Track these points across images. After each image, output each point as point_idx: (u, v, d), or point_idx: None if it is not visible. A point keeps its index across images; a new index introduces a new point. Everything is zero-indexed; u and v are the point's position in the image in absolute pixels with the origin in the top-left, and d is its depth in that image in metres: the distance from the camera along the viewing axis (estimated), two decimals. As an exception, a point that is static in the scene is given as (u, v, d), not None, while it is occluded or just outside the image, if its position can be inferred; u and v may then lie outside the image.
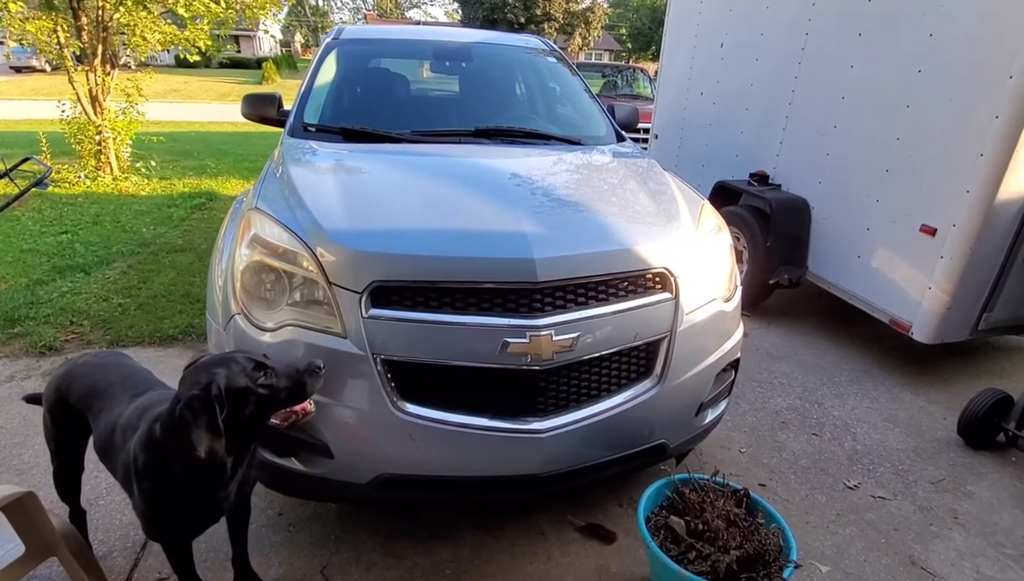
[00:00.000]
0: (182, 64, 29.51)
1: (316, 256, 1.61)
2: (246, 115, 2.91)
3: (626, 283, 1.73)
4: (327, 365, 1.51)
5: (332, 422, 1.62)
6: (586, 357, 1.65)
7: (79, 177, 7.05)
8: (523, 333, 1.56)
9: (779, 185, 4.09)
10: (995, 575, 2.04)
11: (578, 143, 2.68)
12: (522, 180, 2.11)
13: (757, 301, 4.13)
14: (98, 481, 2.17)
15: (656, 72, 6.14)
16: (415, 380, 1.61)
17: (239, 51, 38.12)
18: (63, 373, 1.67)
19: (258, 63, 31.37)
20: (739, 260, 4.23)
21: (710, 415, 2.06)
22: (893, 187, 3.22)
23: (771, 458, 2.58)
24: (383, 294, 1.57)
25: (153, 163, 8.06)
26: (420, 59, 3.36)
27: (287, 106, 2.83)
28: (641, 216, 1.97)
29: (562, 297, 1.63)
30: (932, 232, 3.01)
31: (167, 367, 2.99)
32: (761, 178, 4.18)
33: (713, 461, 2.54)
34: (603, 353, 1.68)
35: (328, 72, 2.92)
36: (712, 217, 2.11)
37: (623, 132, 3.00)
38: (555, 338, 1.58)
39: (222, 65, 32.70)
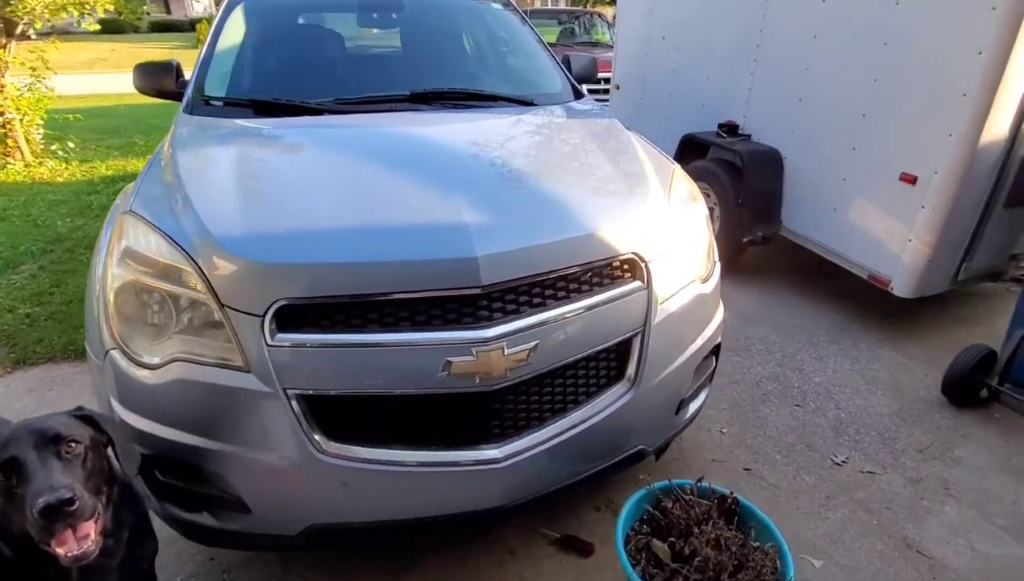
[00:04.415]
0: (108, 30, 27.23)
1: (203, 272, 1.28)
2: (141, 89, 2.46)
3: (590, 275, 1.46)
4: (229, 407, 1.22)
5: (243, 472, 1.33)
6: (546, 369, 1.39)
7: (-15, 166, 6.33)
8: (468, 349, 1.28)
9: (749, 136, 3.84)
10: (989, 550, 1.93)
11: (530, 103, 2.34)
12: (463, 154, 1.79)
13: (730, 260, 3.92)
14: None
15: (615, 16, 5.74)
16: (342, 415, 1.33)
17: (169, 12, 35.28)
18: None
19: (192, 25, 29.09)
20: (710, 217, 4.00)
21: (692, 408, 1.86)
22: (870, 133, 3.00)
23: (755, 437, 2.42)
24: (292, 315, 1.27)
25: (72, 144, 7.29)
26: (343, 12, 2.92)
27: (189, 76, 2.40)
28: (603, 191, 1.68)
29: (514, 300, 1.35)
30: (912, 180, 2.81)
31: (83, 386, 2.64)
32: (730, 129, 3.91)
33: (694, 446, 2.36)
34: (566, 361, 1.42)
35: (233, 34, 2.48)
36: (685, 184, 1.85)
37: (580, 87, 2.67)
38: (507, 351, 1.31)
39: (153, 29, 30.26)
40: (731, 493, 1.62)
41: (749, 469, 2.24)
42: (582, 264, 1.43)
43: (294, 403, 1.27)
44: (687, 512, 1.53)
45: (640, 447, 1.67)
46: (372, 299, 1.28)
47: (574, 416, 1.48)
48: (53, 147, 7.06)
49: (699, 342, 1.72)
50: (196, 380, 1.28)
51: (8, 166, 6.46)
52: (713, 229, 3.90)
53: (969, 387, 2.56)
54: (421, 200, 1.49)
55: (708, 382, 1.93)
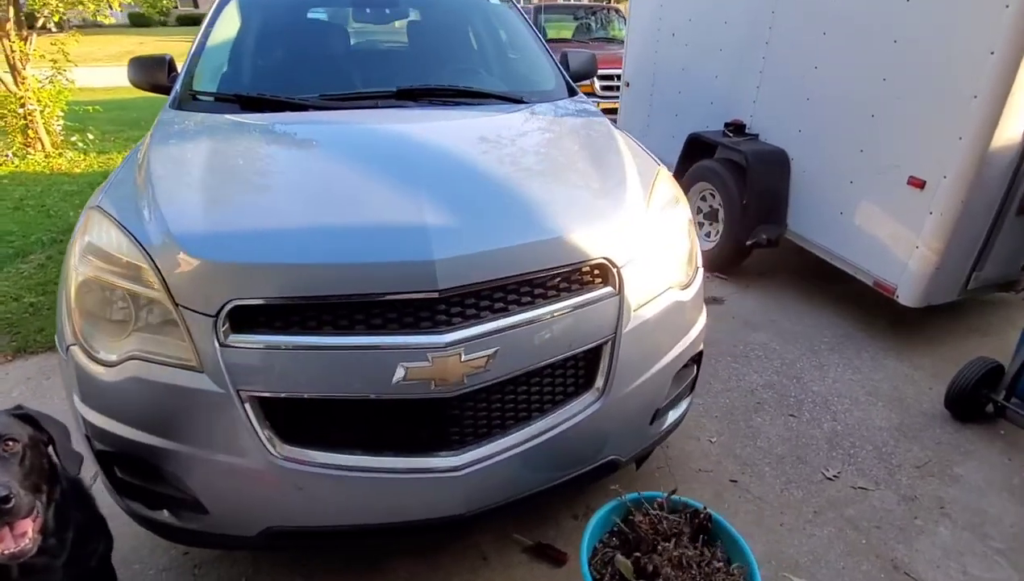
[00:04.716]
0: (137, 24, 27.76)
1: (159, 270, 1.27)
2: (135, 83, 2.46)
3: (557, 280, 1.42)
4: (183, 407, 1.21)
5: (198, 473, 1.32)
6: (507, 376, 1.35)
7: (6, 156, 6.48)
8: (423, 355, 1.25)
9: (756, 135, 3.74)
10: (982, 574, 1.84)
11: (519, 101, 2.29)
12: (438, 153, 1.76)
13: (733, 263, 3.84)
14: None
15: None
16: (297, 418, 1.31)
17: (196, 6, 35.85)
18: None
19: (217, 19, 29.44)
20: (714, 219, 3.92)
21: (670, 418, 1.80)
22: (879, 135, 2.89)
23: (744, 447, 2.35)
24: (246, 316, 1.25)
25: (91, 136, 7.44)
26: (334, 7, 2.89)
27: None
28: (577, 193, 1.63)
29: (473, 305, 1.32)
30: (921, 185, 2.70)
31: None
32: (737, 128, 3.81)
33: (681, 455, 2.30)
34: (530, 369, 1.39)
35: (224, 29, 2.47)
36: (667, 187, 1.78)
37: (574, 84, 2.62)
38: (465, 358, 1.27)
39: (181, 23, 30.78)
40: (704, 508, 1.56)
41: (735, 481, 2.18)
42: (548, 269, 1.39)
43: (247, 405, 1.26)
44: (655, 527, 1.48)
45: (612, 457, 1.63)
46: (325, 302, 1.25)
47: (539, 425, 1.44)
48: (73, 138, 7.21)
49: (677, 350, 1.67)
50: (151, 379, 1.27)
51: (29, 156, 6.61)
52: (717, 231, 3.89)
53: (974, 401, 2.46)
54: (386, 200, 1.46)
55: (689, 391, 1.87)
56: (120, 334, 1.33)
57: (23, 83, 6.44)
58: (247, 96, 2.10)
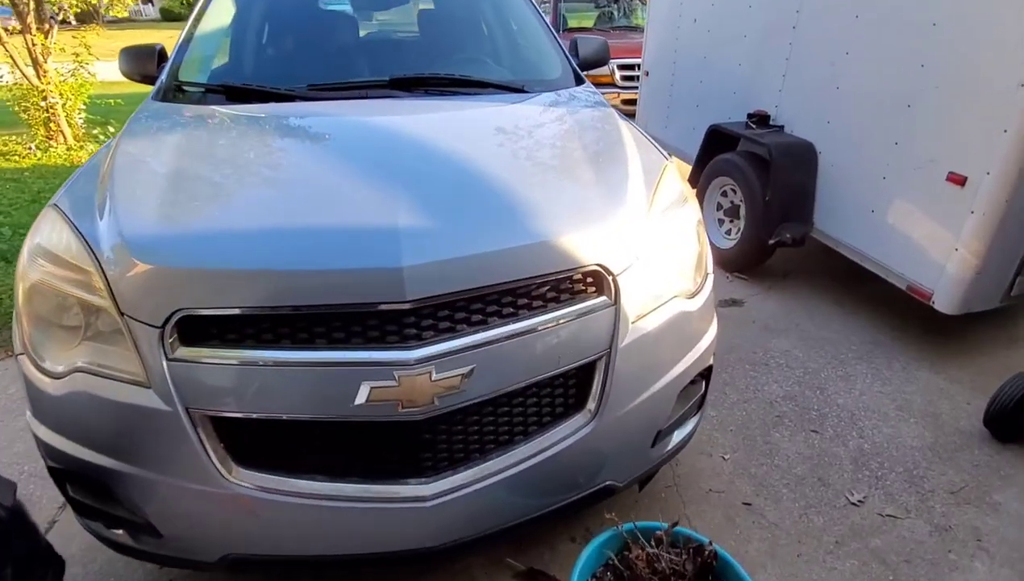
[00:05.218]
0: (169, 18, 28.23)
1: (105, 275, 1.17)
2: (126, 74, 2.38)
3: (544, 290, 1.27)
4: (130, 425, 1.10)
5: (149, 497, 1.22)
6: (486, 397, 1.22)
7: (29, 149, 6.57)
8: (389, 373, 1.12)
9: (781, 127, 3.51)
10: (1028, 618, 1.65)
11: (519, 90, 2.14)
12: (423, 149, 1.61)
13: (755, 263, 3.63)
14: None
15: (649, -2, 5.42)
16: (254, 439, 1.20)
17: None
18: None
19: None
20: (735, 216, 3.71)
21: (675, 439, 1.64)
22: (916, 126, 2.65)
23: (760, 466, 2.17)
24: (196, 327, 1.14)
25: (112, 129, 7.51)
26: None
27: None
28: (571, 192, 1.47)
29: (447, 317, 1.18)
30: (961, 181, 2.46)
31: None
32: (761, 119, 3.58)
33: (691, 472, 2.14)
34: (511, 389, 1.25)
35: (214, 17, 2.37)
36: (673, 185, 1.61)
37: (585, 72, 2.45)
38: (436, 376, 1.14)
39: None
40: (709, 543, 1.41)
41: (749, 504, 2.01)
42: (533, 277, 1.24)
43: (197, 425, 1.15)
44: (652, 565, 1.33)
45: (608, 483, 1.48)
46: (281, 313, 1.13)
47: (522, 450, 1.30)
48: (95, 131, 7.28)
49: (682, 366, 1.50)
50: (96, 394, 1.17)
51: (51, 149, 6.69)
52: (737, 228, 3.68)
53: (1015, 421, 2.23)
54: (358, 200, 1.33)
55: (696, 410, 1.71)
56: (69, 344, 1.23)
57: (45, 76, 6.51)
58: (232, 86, 1.99)
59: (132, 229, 1.22)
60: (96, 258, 1.19)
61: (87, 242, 1.23)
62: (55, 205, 1.37)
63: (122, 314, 1.15)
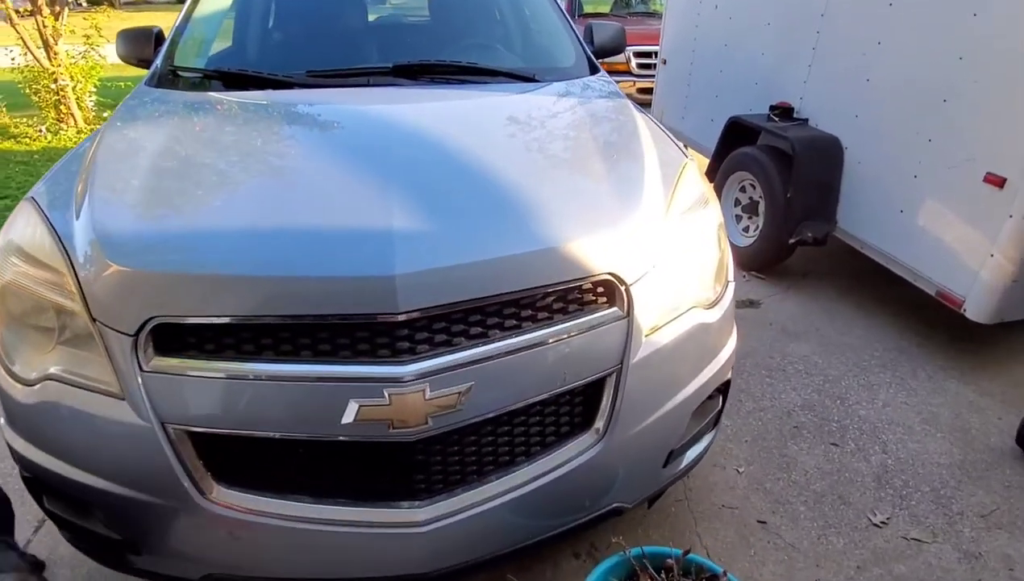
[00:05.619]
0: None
1: (77, 278, 1.08)
2: (123, 58, 2.30)
3: (550, 301, 1.17)
4: (103, 439, 1.03)
5: (125, 513, 1.15)
6: (486, 416, 1.12)
7: (39, 131, 6.54)
8: (379, 390, 1.03)
9: (806, 120, 3.35)
10: (1064, 656, 1.54)
11: (530, 79, 2.02)
12: (425, 143, 1.50)
13: (774, 262, 3.49)
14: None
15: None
16: (235, 456, 1.11)
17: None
18: None
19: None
20: (754, 212, 3.57)
21: (688, 457, 1.54)
22: (951, 123, 2.49)
23: (777, 480, 2.07)
24: (173, 336, 1.05)
25: (122, 112, 7.46)
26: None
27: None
28: (581, 193, 1.36)
29: (444, 330, 1.08)
30: (1000, 183, 2.31)
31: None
32: (784, 111, 3.42)
33: (704, 486, 2.04)
34: (512, 408, 1.15)
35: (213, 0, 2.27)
36: (693, 186, 1.49)
37: (600, 60, 2.32)
38: (431, 394, 1.05)
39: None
40: (724, 573, 1.31)
41: (764, 522, 1.90)
42: (539, 286, 1.14)
43: (173, 440, 1.06)
44: (661, 596, 1.24)
45: (616, 505, 1.39)
46: (264, 322, 1.04)
47: (524, 472, 1.21)
48: (105, 114, 7.24)
49: (699, 382, 1.40)
50: (68, 404, 1.10)
51: (61, 132, 6.66)
52: (756, 225, 3.54)
53: (1053, 440, 2.10)
54: (351, 201, 1.23)
55: (712, 426, 1.60)
56: (43, 349, 1.16)
57: (55, 58, 6.46)
58: (227, 72, 1.90)
59: (108, 228, 1.13)
60: (69, 258, 1.11)
61: (60, 240, 1.14)
62: (32, 198, 1.29)
63: (94, 320, 1.06)
